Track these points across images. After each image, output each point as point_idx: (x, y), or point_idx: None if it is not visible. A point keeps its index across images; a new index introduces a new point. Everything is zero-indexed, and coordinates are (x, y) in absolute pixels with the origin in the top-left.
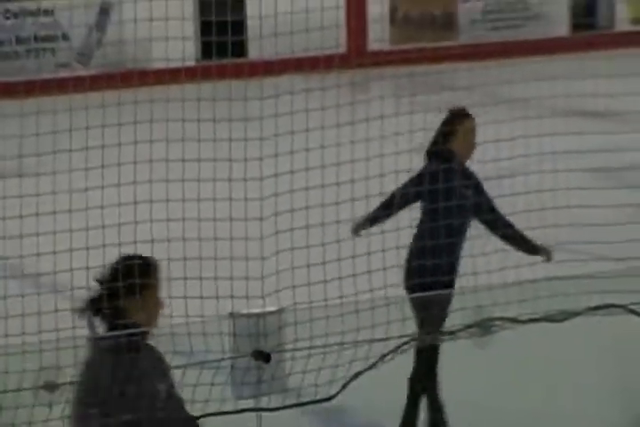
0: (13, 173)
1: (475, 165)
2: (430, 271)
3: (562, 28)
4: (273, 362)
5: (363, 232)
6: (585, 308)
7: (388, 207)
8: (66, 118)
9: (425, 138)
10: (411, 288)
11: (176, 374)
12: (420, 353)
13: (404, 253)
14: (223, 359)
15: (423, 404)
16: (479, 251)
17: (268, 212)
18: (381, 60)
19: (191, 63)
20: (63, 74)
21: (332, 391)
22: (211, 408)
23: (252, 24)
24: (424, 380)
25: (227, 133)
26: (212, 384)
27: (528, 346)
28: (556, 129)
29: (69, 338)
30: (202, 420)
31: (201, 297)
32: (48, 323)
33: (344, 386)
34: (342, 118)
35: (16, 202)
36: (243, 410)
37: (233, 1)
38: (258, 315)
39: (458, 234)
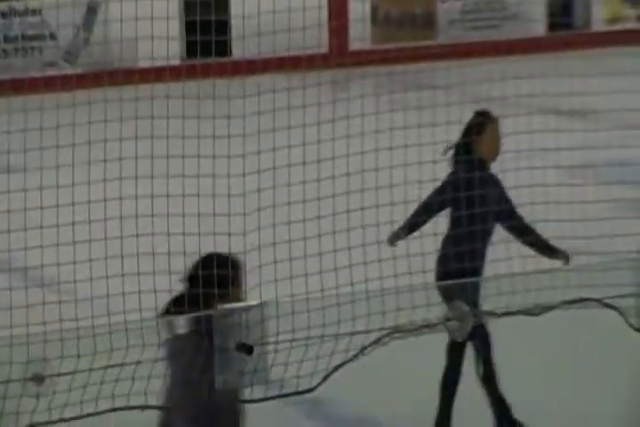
0: (1, 169)
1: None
2: (460, 276)
3: (539, 27)
4: (255, 354)
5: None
6: (560, 301)
7: (422, 214)
8: (53, 116)
9: (405, 136)
10: (444, 295)
11: (160, 366)
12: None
13: (383, 247)
14: None
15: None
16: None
17: (251, 207)
18: (362, 59)
19: (176, 62)
20: (50, 72)
21: (314, 383)
22: None
23: (235, 23)
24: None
25: (210, 131)
26: None
27: (505, 339)
28: (533, 127)
29: (56, 331)
30: None
31: None
32: (36, 316)
33: (325, 378)
34: (323, 116)
35: (3, 197)
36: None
37: (217, 1)
38: (240, 308)
39: (485, 239)
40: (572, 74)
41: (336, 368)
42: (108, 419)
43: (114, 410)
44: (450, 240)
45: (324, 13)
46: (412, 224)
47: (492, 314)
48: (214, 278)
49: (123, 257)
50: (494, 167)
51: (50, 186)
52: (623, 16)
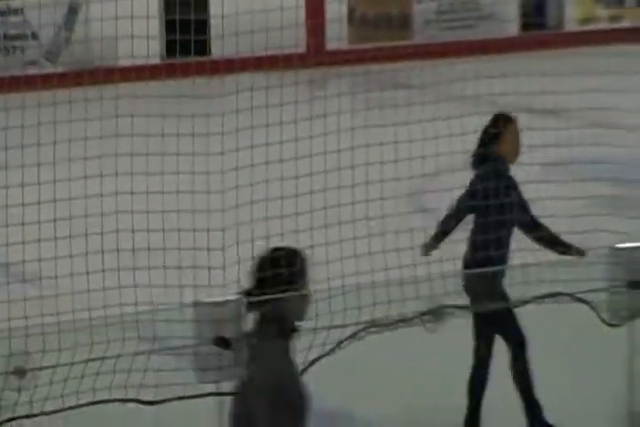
0: None
1: (428, 159)
2: (487, 278)
3: (512, 27)
4: (233, 348)
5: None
6: (533, 296)
7: (453, 220)
8: (34, 114)
9: (381, 134)
10: (471, 295)
11: (140, 360)
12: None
13: (360, 243)
14: (186, 346)
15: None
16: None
17: (230, 204)
18: (339, 59)
19: (156, 61)
20: (32, 71)
21: None
22: (174, 393)
23: (215, 23)
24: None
25: (190, 128)
26: (176, 369)
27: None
28: None
29: (38, 325)
30: (166, 404)
31: (165, 285)
32: (18, 310)
33: (302, 371)
34: (301, 114)
35: None
36: (205, 394)
37: (197, 0)
38: (219, 303)
39: (508, 240)
40: (545, 73)
41: (313, 362)
42: (90, 412)
43: (95, 403)
44: (477, 245)
45: (302, 13)
46: (444, 231)
47: (466, 308)
48: (286, 276)
49: (103, 253)
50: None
51: (31, 183)
52: (596, 16)
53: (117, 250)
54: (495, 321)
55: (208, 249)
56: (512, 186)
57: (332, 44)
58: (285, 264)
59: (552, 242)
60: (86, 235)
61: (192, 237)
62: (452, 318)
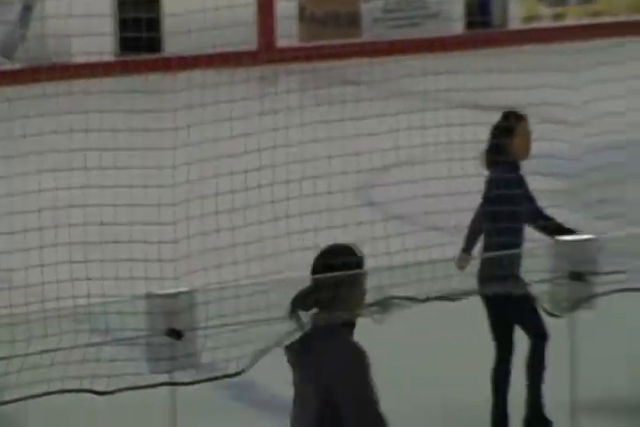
0: None
1: (375, 154)
2: (502, 278)
3: (458, 26)
4: (186, 339)
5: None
6: (477, 287)
7: (477, 227)
8: None
9: (327, 129)
10: (486, 297)
11: (92, 351)
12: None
13: (312, 235)
14: (138, 337)
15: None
16: (380, 234)
17: (181, 198)
18: (289, 56)
19: (110, 58)
20: None
21: (242, 366)
22: (127, 383)
23: (167, 21)
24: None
25: (142, 124)
26: (129, 360)
27: (425, 324)
28: (451, 120)
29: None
30: (118, 394)
31: (117, 278)
32: None
33: (253, 361)
34: (251, 110)
35: None
36: (158, 384)
37: None
38: (171, 295)
39: (521, 243)
40: (490, 70)
41: (264, 352)
42: (44, 402)
43: (49, 393)
44: (492, 247)
45: (253, 11)
46: (472, 240)
47: (414, 300)
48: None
49: (57, 246)
50: (417, 158)
51: None
52: (539, 15)
53: (70, 243)
54: (513, 312)
55: (159, 242)
56: (525, 185)
57: (282, 42)
58: (347, 260)
59: (558, 230)
60: (40, 229)
61: (144, 230)
62: (400, 308)
